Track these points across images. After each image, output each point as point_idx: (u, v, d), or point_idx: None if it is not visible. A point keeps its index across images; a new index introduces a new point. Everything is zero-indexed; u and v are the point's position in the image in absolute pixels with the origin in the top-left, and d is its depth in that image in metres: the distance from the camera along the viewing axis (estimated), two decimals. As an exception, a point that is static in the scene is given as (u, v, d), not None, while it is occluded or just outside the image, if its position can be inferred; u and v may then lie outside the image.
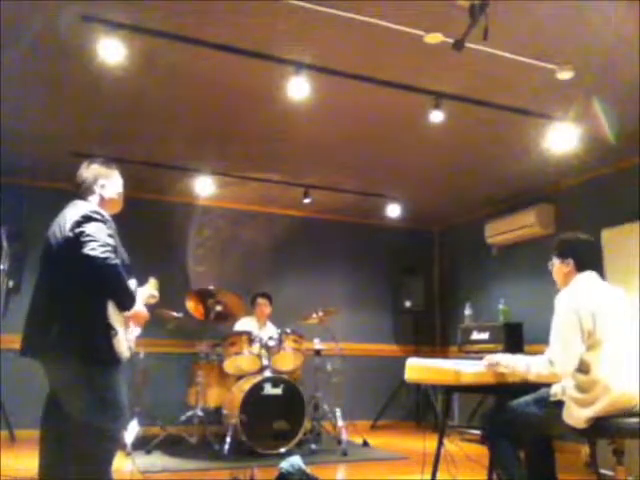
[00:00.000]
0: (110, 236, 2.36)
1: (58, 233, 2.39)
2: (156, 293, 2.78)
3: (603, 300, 2.59)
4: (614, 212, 4.99)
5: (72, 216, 2.38)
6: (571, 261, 2.72)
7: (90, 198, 2.56)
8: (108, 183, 2.61)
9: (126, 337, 2.40)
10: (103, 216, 2.40)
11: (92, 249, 2.23)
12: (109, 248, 2.28)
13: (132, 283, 2.52)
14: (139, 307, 2.48)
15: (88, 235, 2.27)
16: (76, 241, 2.27)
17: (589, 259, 2.74)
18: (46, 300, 2.36)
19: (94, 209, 2.41)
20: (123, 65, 3.46)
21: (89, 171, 2.61)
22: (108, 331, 2.30)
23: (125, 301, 2.37)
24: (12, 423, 5.19)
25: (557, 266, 2.79)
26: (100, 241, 2.26)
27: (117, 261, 2.29)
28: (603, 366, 2.44)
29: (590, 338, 2.48)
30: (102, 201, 2.57)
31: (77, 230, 2.30)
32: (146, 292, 2.71)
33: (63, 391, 2.36)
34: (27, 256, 5.13)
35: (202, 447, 4.76)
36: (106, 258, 2.23)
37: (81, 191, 2.58)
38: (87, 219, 2.33)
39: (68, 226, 2.35)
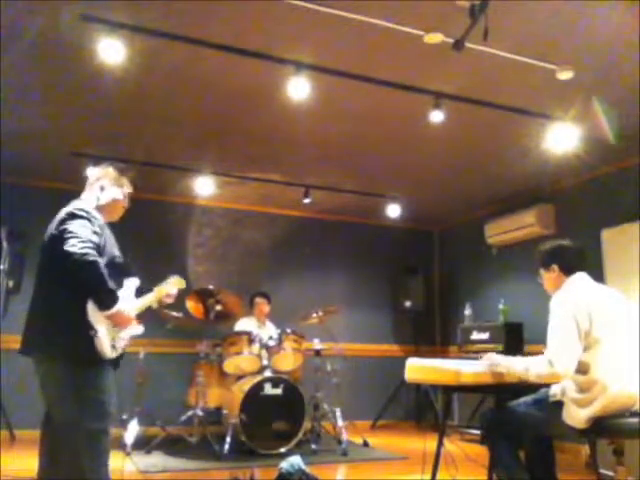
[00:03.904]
0: (95, 233, 2.33)
1: (48, 232, 2.40)
2: (174, 292, 2.74)
3: (598, 300, 2.59)
4: (614, 212, 4.99)
5: (60, 214, 2.38)
6: (555, 266, 2.73)
7: (85, 196, 2.55)
8: (108, 187, 2.57)
9: (113, 336, 2.35)
10: (89, 213, 2.37)
11: (72, 245, 2.20)
12: (90, 245, 2.24)
13: (133, 282, 2.50)
14: (121, 307, 2.36)
15: (70, 232, 2.25)
16: (60, 238, 2.26)
17: (575, 262, 2.74)
18: (35, 300, 2.36)
19: (80, 206, 2.39)
20: (123, 65, 3.46)
21: (96, 170, 2.61)
22: (88, 330, 2.26)
23: (104, 299, 2.29)
24: (12, 423, 5.19)
25: (545, 276, 2.80)
26: (81, 237, 2.23)
27: (97, 258, 2.25)
28: (601, 366, 2.44)
29: (587, 338, 2.48)
30: (97, 203, 2.53)
31: (61, 227, 2.30)
32: (162, 291, 2.69)
33: (45, 390, 2.34)
34: (27, 256, 5.13)
35: (202, 447, 4.75)
36: (84, 254, 2.20)
37: (84, 189, 2.59)
38: (71, 216, 2.32)
39: (54, 224, 2.36)
